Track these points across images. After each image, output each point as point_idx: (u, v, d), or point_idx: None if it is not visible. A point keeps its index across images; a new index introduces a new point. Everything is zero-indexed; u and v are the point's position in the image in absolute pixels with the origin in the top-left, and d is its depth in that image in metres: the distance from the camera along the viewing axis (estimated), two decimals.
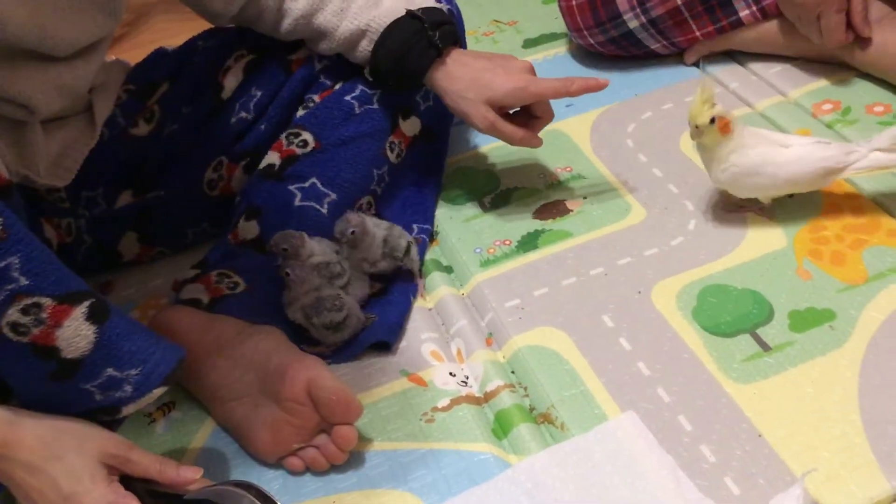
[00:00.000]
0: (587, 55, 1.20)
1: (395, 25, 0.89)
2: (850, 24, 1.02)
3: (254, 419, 0.75)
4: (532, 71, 0.90)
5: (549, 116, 0.92)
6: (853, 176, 0.89)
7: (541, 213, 0.98)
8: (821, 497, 0.67)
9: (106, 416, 0.67)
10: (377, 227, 0.88)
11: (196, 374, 0.79)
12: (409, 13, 0.90)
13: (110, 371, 0.64)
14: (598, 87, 0.90)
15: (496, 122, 0.89)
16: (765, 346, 0.79)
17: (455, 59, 0.91)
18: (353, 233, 0.85)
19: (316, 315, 0.82)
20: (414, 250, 0.90)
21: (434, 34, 0.89)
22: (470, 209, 1.00)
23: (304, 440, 0.74)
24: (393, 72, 0.91)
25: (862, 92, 1.06)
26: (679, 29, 1.11)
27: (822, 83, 1.08)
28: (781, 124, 1.03)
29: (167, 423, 0.81)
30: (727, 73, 1.13)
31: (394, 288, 0.90)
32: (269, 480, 0.75)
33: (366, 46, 0.91)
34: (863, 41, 1.03)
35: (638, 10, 1.10)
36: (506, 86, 0.88)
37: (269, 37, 0.96)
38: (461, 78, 0.90)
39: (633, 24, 1.11)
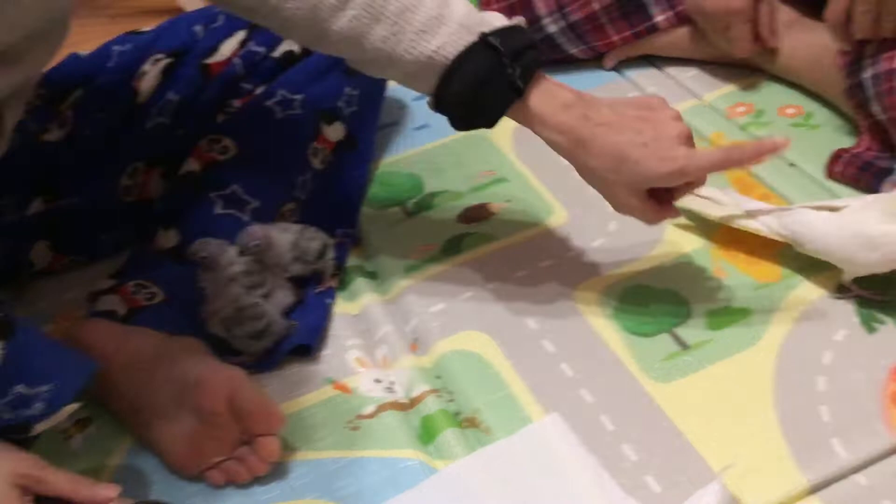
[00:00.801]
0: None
1: (466, 57, 0.71)
2: (757, 34, 1.05)
3: (173, 433, 0.73)
4: (689, 138, 0.72)
5: (700, 182, 0.75)
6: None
7: (464, 217, 0.98)
8: (739, 492, 0.69)
9: (16, 435, 0.65)
10: (286, 232, 0.86)
11: (113, 389, 0.77)
12: (483, 40, 0.71)
13: (20, 388, 0.62)
14: (776, 150, 0.72)
15: (637, 209, 0.75)
16: (684, 345, 0.81)
17: (576, 111, 0.72)
18: (256, 245, 0.84)
19: (237, 325, 0.80)
20: (330, 253, 0.89)
21: (514, 70, 0.71)
22: (394, 214, 1.00)
23: (225, 453, 0.72)
24: (464, 117, 0.75)
25: (774, 94, 1.09)
26: (597, 33, 1.13)
27: (735, 86, 1.11)
28: (697, 127, 1.05)
29: (84, 439, 0.79)
30: (645, 77, 1.15)
31: (310, 292, 0.89)
32: (191, 495, 0.73)
33: (430, 79, 0.73)
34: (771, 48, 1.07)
35: (557, 14, 1.11)
36: (660, 170, 0.71)
37: (184, 40, 0.94)
38: (600, 151, 0.72)
39: (551, 28, 1.12)
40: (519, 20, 0.75)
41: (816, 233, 0.82)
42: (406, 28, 0.71)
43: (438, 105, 0.75)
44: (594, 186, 0.76)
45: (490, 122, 0.75)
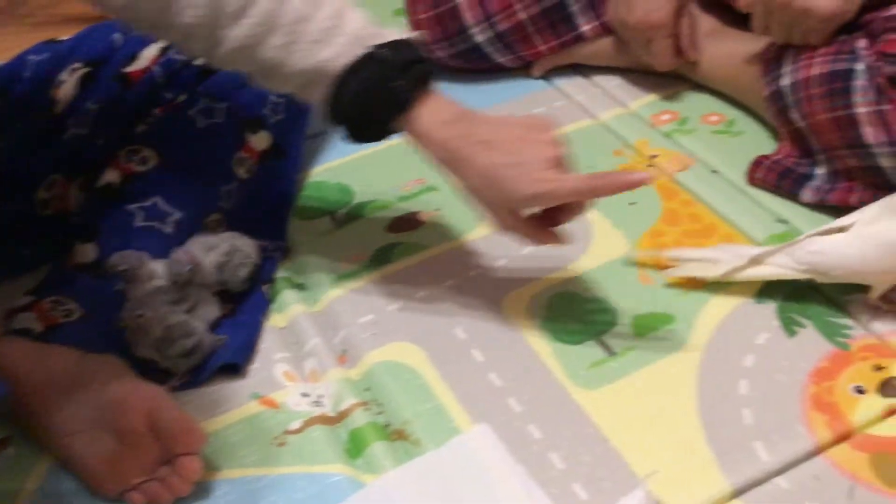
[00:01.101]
0: (438, 67, 1.20)
1: (354, 68, 0.72)
2: (679, 48, 1.07)
3: (91, 454, 0.71)
4: (561, 162, 0.73)
5: (579, 210, 0.76)
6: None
7: (394, 227, 0.98)
8: (663, 498, 0.69)
9: None
10: (211, 252, 0.84)
11: (29, 409, 0.75)
12: (370, 54, 0.72)
13: None
14: (635, 185, 0.73)
15: (515, 227, 0.76)
16: (610, 352, 0.81)
17: (456, 128, 0.73)
18: (189, 270, 0.82)
19: (169, 346, 0.79)
20: (256, 274, 0.88)
21: (400, 83, 0.72)
22: (323, 224, 0.99)
23: (146, 474, 0.71)
24: (354, 130, 0.76)
25: (698, 102, 1.11)
26: (524, 43, 1.13)
27: (660, 94, 1.13)
28: (623, 135, 1.07)
29: (1, 460, 0.76)
30: (572, 85, 1.16)
31: (244, 308, 0.88)
32: None
33: (321, 90, 0.74)
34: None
35: (484, 24, 1.11)
36: (528, 191, 0.72)
37: (103, 49, 0.92)
38: (474, 170, 0.73)
39: (479, 38, 1.12)
40: (416, 35, 0.76)
41: (834, 257, 0.79)
42: (300, 38, 0.71)
43: (331, 117, 0.75)
44: (475, 205, 0.76)
45: (378, 136, 0.77)
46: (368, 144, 1.05)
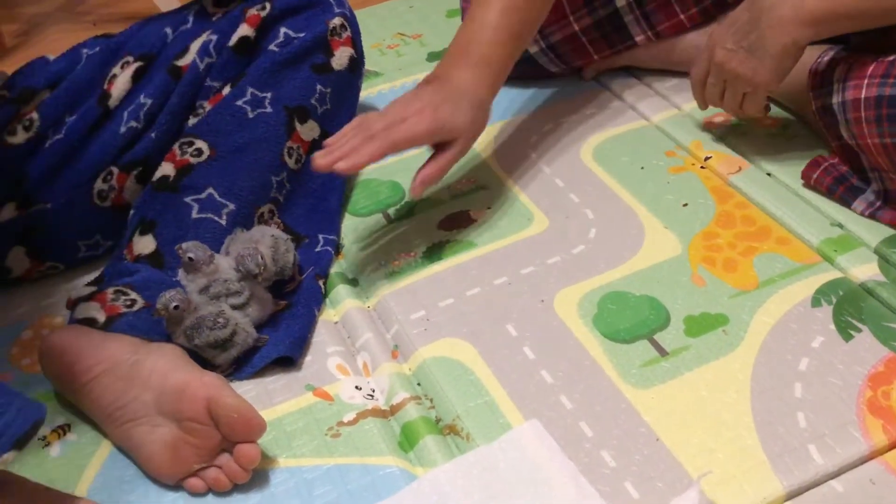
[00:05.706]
0: None
1: None
2: None
3: (152, 440, 0.73)
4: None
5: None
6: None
7: (445, 224, 0.98)
8: (716, 498, 0.69)
9: None
10: (262, 246, 0.85)
11: (91, 396, 0.77)
12: None
13: None
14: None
15: None
16: (662, 352, 0.81)
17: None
18: (260, 266, 0.83)
19: (197, 335, 0.79)
20: (297, 260, 0.90)
21: None
22: (374, 221, 1.00)
23: (205, 460, 0.72)
24: None
25: None
26: (577, 54, 1.13)
27: None
28: (676, 136, 1.07)
29: (62, 446, 0.79)
30: (625, 87, 1.16)
31: (299, 301, 0.89)
32: (170, 503, 0.73)
33: None
34: None
35: (537, 35, 1.11)
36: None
37: (154, 43, 0.95)
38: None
39: (533, 49, 1.12)
40: None
41: None
42: None
43: None
44: None
45: None
46: None
